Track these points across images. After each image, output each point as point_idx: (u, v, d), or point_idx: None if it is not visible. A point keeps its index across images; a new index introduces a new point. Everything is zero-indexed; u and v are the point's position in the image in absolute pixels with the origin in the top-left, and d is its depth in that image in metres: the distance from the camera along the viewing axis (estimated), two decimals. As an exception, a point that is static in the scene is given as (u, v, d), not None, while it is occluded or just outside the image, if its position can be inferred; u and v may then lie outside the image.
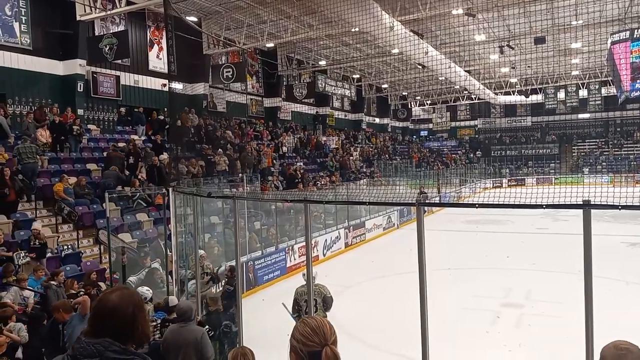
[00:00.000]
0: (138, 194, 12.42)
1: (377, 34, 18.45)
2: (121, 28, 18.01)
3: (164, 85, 19.17)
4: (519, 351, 7.40)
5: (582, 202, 3.85)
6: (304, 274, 6.59)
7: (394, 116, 44.37)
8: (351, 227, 17.59)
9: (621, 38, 18.56)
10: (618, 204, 3.89)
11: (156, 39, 20.18)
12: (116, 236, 10.63)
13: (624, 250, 14.14)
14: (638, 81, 18.41)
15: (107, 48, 16.25)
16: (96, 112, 17.30)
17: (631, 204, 3.96)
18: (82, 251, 10.79)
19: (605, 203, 3.99)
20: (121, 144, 15.29)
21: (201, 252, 8.79)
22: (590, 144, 41.37)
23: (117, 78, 18.05)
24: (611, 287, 9.29)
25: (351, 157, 28.54)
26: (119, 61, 17.67)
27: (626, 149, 39.37)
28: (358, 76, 35.07)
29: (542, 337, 7.84)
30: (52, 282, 7.47)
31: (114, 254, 9.50)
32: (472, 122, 46.90)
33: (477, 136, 46.63)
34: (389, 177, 27.23)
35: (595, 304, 3.86)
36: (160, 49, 20.15)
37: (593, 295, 3.84)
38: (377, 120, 42.61)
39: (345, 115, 37.49)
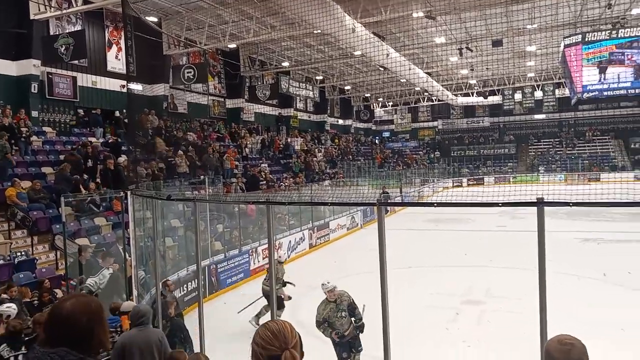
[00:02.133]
0: (89, 198, 12.06)
1: (339, 36, 18.55)
2: (78, 28, 17.49)
3: (123, 86, 18.74)
4: (478, 347, 7.56)
5: (535, 200, 3.98)
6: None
7: (357, 117, 44.76)
8: (315, 228, 17.63)
9: (573, 41, 19.26)
10: (569, 202, 4.04)
11: (115, 39, 19.71)
12: (73, 241, 10.31)
13: (578, 246, 14.66)
14: (589, 82, 19.13)
15: (63, 48, 15.76)
16: (52, 114, 16.74)
17: (582, 201, 4.12)
18: (37, 258, 10.41)
19: (558, 201, 4.14)
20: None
21: (170, 279, 8.60)
22: (546, 143, 42.77)
23: (74, 79, 17.53)
24: (565, 281, 9.61)
25: (315, 158, 28.59)
26: (76, 62, 17.17)
27: (579, 148, 40.89)
28: (321, 78, 35.18)
29: (500, 332, 8.03)
30: (4, 296, 7.16)
31: (71, 258, 9.21)
32: (432, 123, 47.79)
33: (437, 137, 47.53)
34: (352, 178, 27.44)
35: (550, 299, 3.99)
36: (119, 49, 19.69)
37: (547, 290, 3.97)
38: (341, 121, 42.86)
39: (309, 117, 37.55)
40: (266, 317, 9.80)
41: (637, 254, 12.74)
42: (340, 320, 6.63)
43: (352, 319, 6.76)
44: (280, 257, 9.79)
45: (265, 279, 9.20)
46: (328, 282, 6.92)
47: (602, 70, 18.89)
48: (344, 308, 6.68)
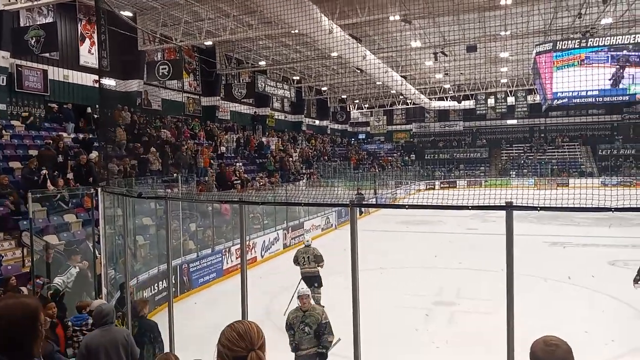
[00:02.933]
0: (59, 195, 11.80)
1: (316, 37, 18.59)
2: (49, 20, 17.09)
3: (96, 81, 18.39)
4: (446, 348, 7.67)
5: (505, 204, 4.07)
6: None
7: (333, 119, 44.89)
8: (290, 228, 17.61)
9: (545, 49, 19.68)
10: (537, 206, 4.15)
11: (88, 33, 19.32)
12: (41, 238, 10.07)
13: (545, 249, 15.00)
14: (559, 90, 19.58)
15: (34, 40, 15.39)
16: (21, 108, 16.31)
17: (549, 205, 4.23)
18: (3, 254, 10.13)
19: (526, 205, 4.24)
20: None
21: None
22: (517, 148, 43.65)
23: (45, 72, 17.12)
24: (532, 283, 9.82)
25: (291, 159, 28.56)
26: (47, 55, 16.77)
27: (549, 153, 41.86)
28: (298, 78, 35.16)
29: (469, 333, 8.17)
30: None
31: (38, 255, 9.00)
32: (407, 126, 48.28)
33: (412, 140, 48.03)
34: (327, 179, 27.51)
35: (517, 300, 4.08)
36: (92, 43, 19.31)
37: (515, 291, 4.06)
38: (317, 122, 42.92)
39: (285, 117, 37.50)
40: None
41: (600, 258, 13.13)
42: (301, 334, 6.07)
43: (317, 344, 6.09)
44: (308, 240, 10.82)
45: (301, 264, 10.17)
46: (304, 288, 6.66)
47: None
48: (310, 324, 6.09)
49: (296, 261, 10.28)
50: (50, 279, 8.67)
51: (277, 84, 31.47)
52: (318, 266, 10.09)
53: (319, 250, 10.20)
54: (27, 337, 1.66)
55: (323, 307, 6.48)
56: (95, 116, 17.42)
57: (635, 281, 8.41)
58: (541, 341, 2.15)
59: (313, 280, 9.90)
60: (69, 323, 6.13)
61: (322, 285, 10.02)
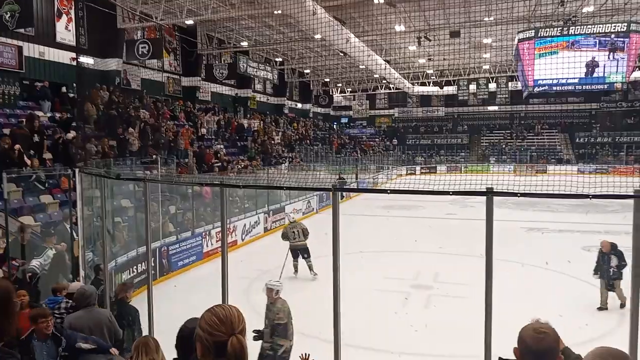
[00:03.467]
0: (34, 175, 11.56)
1: (300, 18, 18.37)
2: (24, -6, 16.54)
3: (73, 59, 17.95)
4: (425, 331, 7.78)
5: (485, 190, 4.09)
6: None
7: (315, 102, 44.68)
8: (271, 212, 17.56)
9: (527, 36, 19.79)
10: (517, 192, 4.18)
11: (65, 9, 18.76)
12: (16, 219, 9.87)
13: (523, 235, 15.25)
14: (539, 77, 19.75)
15: (8, 15, 14.85)
16: (-6, 85, 15.85)
17: (528, 192, 4.27)
18: (-24, 236, 9.91)
19: (506, 191, 4.27)
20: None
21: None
22: (497, 135, 44.09)
23: (19, 49, 16.59)
24: (510, 268, 9.98)
25: (273, 142, 28.40)
26: (22, 30, 16.25)
27: (528, 140, 42.39)
28: (281, 60, 34.83)
29: (447, 317, 8.29)
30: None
31: (12, 236, 8.82)
32: (389, 111, 48.34)
33: (393, 125, 48.14)
34: (309, 163, 27.46)
35: (495, 285, 4.13)
36: (70, 19, 18.78)
37: (493, 276, 4.11)
38: (300, 105, 42.67)
39: (268, 99, 37.18)
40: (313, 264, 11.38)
41: (576, 244, 13.39)
42: (264, 326, 6.10)
43: (271, 342, 5.99)
44: (293, 217, 12.73)
45: (290, 238, 11.53)
46: (271, 280, 6.51)
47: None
48: (269, 317, 6.08)
49: (285, 236, 11.62)
50: (26, 261, 8.51)
51: (260, 65, 31.10)
52: (306, 239, 11.55)
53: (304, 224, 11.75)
54: (1, 316, 1.67)
55: (287, 309, 6.30)
56: (71, 95, 17.02)
57: (595, 272, 8.99)
58: (531, 328, 2.16)
59: (303, 252, 11.45)
60: (44, 305, 6.02)
61: (310, 255, 11.38)
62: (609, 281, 8.81)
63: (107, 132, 15.78)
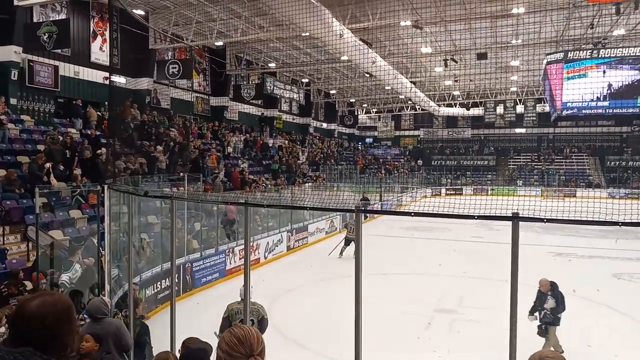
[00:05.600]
0: (77, 190, 11.91)
1: (326, 40, 18.61)
2: (62, 16, 17.22)
3: (106, 78, 18.49)
4: (448, 357, 7.63)
5: (511, 215, 4.04)
6: (241, 291, 6.30)
7: (340, 122, 44.91)
8: (294, 231, 17.60)
9: (556, 59, 19.63)
10: (544, 217, 4.11)
11: (100, 30, 19.45)
12: (46, 233, 10.13)
13: (550, 260, 14.90)
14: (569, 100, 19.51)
15: (46, 36, 15.48)
16: (31, 103, 16.43)
17: (555, 217, 4.20)
18: (8, 248, 10.20)
19: (532, 216, 4.20)
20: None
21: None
22: (525, 157, 43.45)
23: (56, 68, 17.23)
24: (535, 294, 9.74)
25: (298, 161, 28.59)
26: (59, 50, 16.89)
27: (556, 163, 41.63)
28: (307, 80, 35.22)
29: (471, 342, 8.13)
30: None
31: (42, 249, 9.05)
32: (415, 132, 48.20)
33: (419, 145, 47.94)
34: (334, 182, 27.48)
35: (521, 311, 4.06)
36: (104, 40, 19.44)
37: (518, 302, 4.03)
38: (325, 125, 42.95)
39: (293, 119, 37.55)
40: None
41: (606, 271, 13.02)
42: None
43: None
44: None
45: (348, 230, 15.79)
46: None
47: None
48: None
49: (346, 227, 16.62)
50: (55, 274, 8.72)
51: (286, 85, 31.55)
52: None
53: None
54: (67, 331, 1.71)
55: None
56: (99, 114, 17.51)
57: (531, 313, 7.81)
58: (537, 357, 2.14)
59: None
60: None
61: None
62: (542, 325, 7.78)
63: (136, 150, 16.14)
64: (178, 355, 3.83)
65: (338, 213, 20.71)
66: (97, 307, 5.23)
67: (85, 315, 5.91)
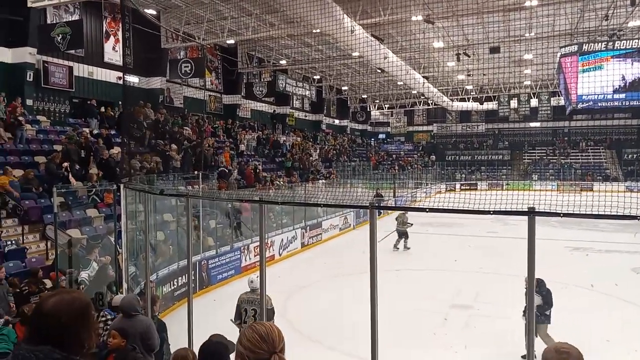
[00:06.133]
0: (93, 189, 12.06)
1: (338, 37, 18.57)
2: (75, 17, 17.41)
3: (120, 78, 18.66)
4: (465, 352, 7.60)
5: (527, 210, 4.01)
6: (250, 280, 7.09)
7: (353, 118, 44.79)
8: (308, 227, 17.64)
9: (570, 51, 19.34)
10: (560, 212, 4.08)
11: (112, 30, 19.63)
12: (64, 232, 10.27)
13: (567, 255, 14.76)
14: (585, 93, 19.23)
15: (60, 37, 15.66)
16: (46, 103, 16.65)
17: (572, 212, 4.15)
18: (27, 247, 10.36)
19: (548, 211, 4.17)
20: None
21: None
22: (540, 151, 42.99)
23: (70, 69, 17.44)
24: (553, 290, 9.66)
25: (310, 158, 28.61)
26: (73, 51, 17.08)
27: (572, 157, 41.13)
28: (319, 77, 35.18)
29: (487, 338, 8.09)
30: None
31: (60, 248, 9.18)
32: (428, 127, 47.92)
33: (432, 141, 47.66)
34: (347, 179, 27.46)
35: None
36: (117, 40, 19.62)
37: (535, 298, 4.01)
38: (337, 121, 42.89)
39: (305, 116, 37.56)
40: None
41: (624, 266, 12.85)
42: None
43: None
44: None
45: (398, 223, 16.37)
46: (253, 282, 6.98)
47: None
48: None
49: (397, 218, 16.44)
50: (73, 273, 8.85)
51: (298, 82, 31.53)
52: (405, 227, 16.31)
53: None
54: (84, 328, 1.74)
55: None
56: (112, 113, 17.69)
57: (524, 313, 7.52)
58: (553, 348, 2.14)
59: (401, 235, 16.40)
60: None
61: (408, 238, 16.25)
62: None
63: (151, 149, 16.28)
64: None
65: (352, 209, 20.71)
66: (131, 304, 5.25)
67: (107, 313, 6.00)
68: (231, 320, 6.96)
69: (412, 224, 16.34)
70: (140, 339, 5.07)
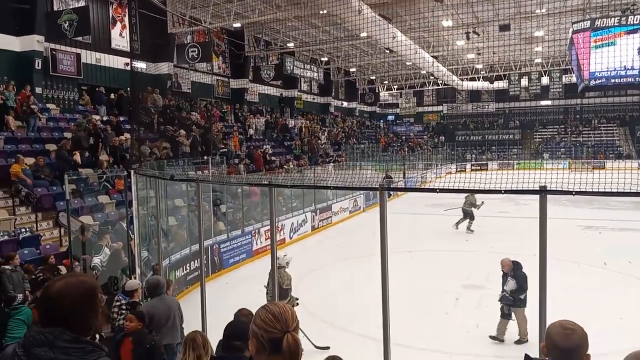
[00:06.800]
0: (104, 176, 12.16)
1: (345, 17, 18.36)
2: (82, 4, 17.35)
3: (127, 64, 18.65)
4: (476, 331, 7.63)
5: (538, 188, 3.98)
6: (280, 257, 7.38)
7: (361, 100, 44.51)
8: (318, 211, 17.67)
9: (582, 27, 18.99)
10: (572, 190, 4.04)
11: (119, 17, 19.55)
12: (77, 218, 10.39)
13: (579, 234, 14.67)
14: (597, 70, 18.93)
15: (67, 24, 15.64)
16: (55, 91, 16.70)
17: (584, 190, 4.11)
18: (41, 234, 10.50)
19: (560, 189, 4.13)
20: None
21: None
22: (551, 130, 42.52)
23: (78, 56, 17.44)
24: (565, 268, 9.65)
25: (319, 141, 28.54)
26: (80, 38, 17.06)
27: (584, 135, 40.65)
28: (326, 59, 34.92)
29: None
30: (6, 267, 7.19)
31: (74, 234, 9.30)
32: (437, 108, 47.50)
33: (442, 121, 47.28)
34: (356, 161, 27.40)
35: (549, 285, 4.02)
36: (124, 27, 19.55)
37: (547, 276, 3.99)
38: (345, 104, 42.65)
39: (314, 99, 37.38)
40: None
41: (637, 244, 12.75)
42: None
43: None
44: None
45: (466, 202, 15.63)
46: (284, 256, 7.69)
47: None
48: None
49: (466, 198, 15.48)
50: (87, 259, 8.97)
51: (305, 65, 31.32)
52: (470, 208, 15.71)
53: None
54: (90, 311, 1.77)
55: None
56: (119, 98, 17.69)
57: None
58: (558, 324, 2.15)
59: (467, 215, 15.73)
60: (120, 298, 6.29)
61: (474, 218, 15.72)
62: (505, 308, 7.39)
63: (160, 134, 16.33)
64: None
65: (361, 192, 20.70)
66: (158, 284, 5.51)
67: (121, 297, 6.07)
68: (264, 286, 7.53)
69: (480, 205, 15.32)
70: (180, 314, 5.55)
